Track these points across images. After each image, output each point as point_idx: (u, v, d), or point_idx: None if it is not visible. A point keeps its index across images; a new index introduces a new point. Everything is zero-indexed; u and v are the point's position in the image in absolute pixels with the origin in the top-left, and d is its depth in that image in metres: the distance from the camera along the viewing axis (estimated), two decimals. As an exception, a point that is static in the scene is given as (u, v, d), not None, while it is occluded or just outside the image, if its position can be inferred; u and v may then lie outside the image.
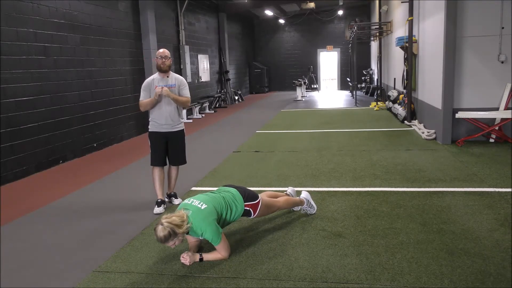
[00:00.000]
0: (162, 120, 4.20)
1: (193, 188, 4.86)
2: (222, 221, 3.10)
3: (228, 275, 2.82)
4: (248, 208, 3.25)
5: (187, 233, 2.95)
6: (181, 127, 4.34)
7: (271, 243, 3.28)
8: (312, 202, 3.84)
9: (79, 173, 6.02)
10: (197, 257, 2.99)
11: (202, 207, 2.98)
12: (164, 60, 4.15)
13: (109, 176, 5.71)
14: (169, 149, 4.30)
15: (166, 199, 4.38)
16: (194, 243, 3.17)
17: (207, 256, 3.02)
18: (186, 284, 2.73)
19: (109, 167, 6.20)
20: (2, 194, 5.09)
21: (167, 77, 4.23)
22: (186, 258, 2.95)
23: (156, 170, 4.27)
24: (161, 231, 2.75)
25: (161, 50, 4.20)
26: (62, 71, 6.68)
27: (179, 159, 4.38)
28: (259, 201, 3.33)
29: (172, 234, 2.76)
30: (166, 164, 4.33)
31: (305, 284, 2.65)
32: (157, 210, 4.14)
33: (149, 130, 4.32)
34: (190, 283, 2.74)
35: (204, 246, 3.25)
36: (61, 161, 6.60)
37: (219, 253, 3.01)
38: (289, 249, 3.15)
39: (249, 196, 3.29)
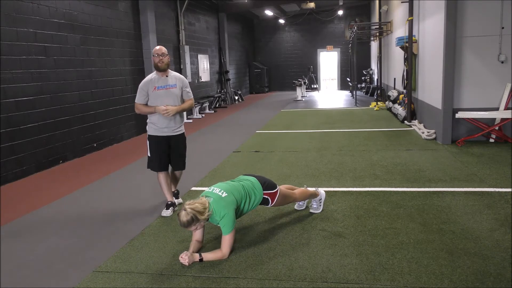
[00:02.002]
0: (162, 124, 3.99)
1: (193, 188, 4.86)
2: (240, 212, 3.19)
3: (228, 275, 2.82)
4: (266, 197, 3.34)
5: (207, 220, 3.03)
6: (182, 130, 4.14)
7: (271, 243, 3.28)
8: (323, 203, 3.93)
9: (79, 173, 6.02)
10: (196, 257, 3.00)
11: (223, 195, 3.08)
12: (161, 58, 3.88)
13: (109, 176, 5.71)
14: (171, 154, 4.12)
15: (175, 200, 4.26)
16: (195, 243, 3.17)
17: (207, 256, 3.02)
18: (186, 284, 2.73)
19: (109, 167, 6.20)
20: (2, 194, 5.09)
21: (166, 76, 3.98)
22: (185, 259, 2.95)
23: (161, 175, 4.09)
24: (184, 216, 2.87)
25: (157, 47, 3.92)
26: (62, 71, 6.68)
27: (181, 163, 4.21)
28: (277, 190, 3.41)
29: (194, 220, 2.88)
30: (167, 169, 4.14)
31: (305, 284, 2.65)
32: (165, 213, 4.04)
33: (149, 134, 4.07)
34: (190, 283, 2.74)
35: (204, 246, 3.25)
36: (61, 161, 6.60)
37: (222, 246, 3.04)
38: (289, 249, 3.15)
39: (268, 185, 3.37)
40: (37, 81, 6.11)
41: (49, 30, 6.38)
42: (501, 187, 4.33)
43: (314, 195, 3.87)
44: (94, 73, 7.53)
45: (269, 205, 3.42)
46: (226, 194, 3.09)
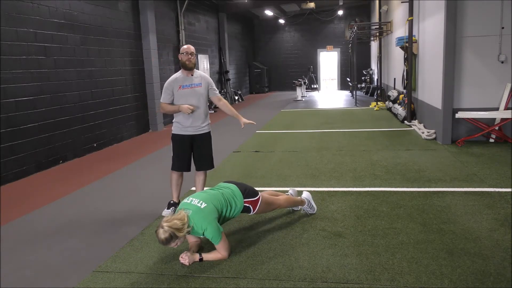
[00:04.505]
0: (187, 122, 3.95)
1: (193, 188, 4.85)
2: (222, 219, 3.11)
3: (228, 275, 2.82)
4: (247, 205, 3.26)
5: (189, 233, 2.94)
6: (207, 129, 4.07)
7: (271, 243, 3.28)
8: (313, 203, 3.85)
9: (79, 173, 6.02)
10: (196, 257, 2.99)
11: (202, 206, 2.98)
12: (190, 57, 3.85)
13: (109, 176, 5.71)
14: (194, 153, 4.08)
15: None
16: (194, 243, 3.17)
17: (207, 256, 3.02)
18: (186, 284, 2.73)
19: (109, 167, 6.20)
20: (2, 194, 5.09)
21: (192, 75, 3.94)
22: (185, 259, 2.95)
23: (174, 175, 4.11)
24: (162, 234, 2.76)
25: (185, 46, 3.90)
26: (62, 71, 6.67)
27: (206, 163, 4.13)
28: (259, 197, 3.33)
29: (173, 237, 2.77)
30: (187, 170, 4.13)
31: (305, 284, 2.65)
32: (165, 212, 4.05)
33: (173, 132, 4.06)
34: (190, 283, 2.74)
35: (204, 246, 3.25)
36: (61, 161, 6.60)
37: (219, 252, 3.01)
38: (289, 249, 3.15)
39: (248, 193, 3.29)
40: (37, 81, 6.11)
41: (49, 30, 6.38)
42: (501, 187, 4.33)
43: (301, 202, 3.76)
44: (94, 73, 7.53)
45: (251, 213, 3.34)
46: (206, 205, 2.99)
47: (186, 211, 2.93)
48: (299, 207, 3.89)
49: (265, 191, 3.67)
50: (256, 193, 3.34)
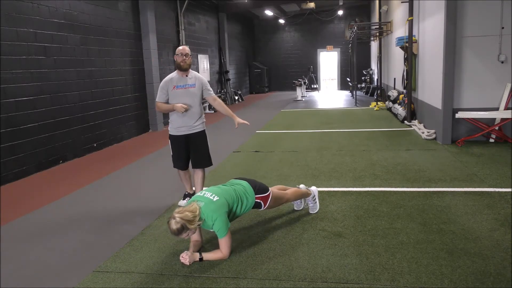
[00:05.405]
0: (179, 122, 4.03)
1: (193, 188, 4.85)
2: (232, 214, 3.15)
3: (228, 275, 2.82)
4: (259, 201, 3.31)
5: (199, 226, 3.00)
6: (200, 128, 4.13)
7: (271, 243, 3.28)
8: (317, 199, 3.92)
9: (79, 173, 6.02)
10: (196, 256, 3.00)
11: (214, 199, 3.04)
12: (185, 58, 3.96)
13: (109, 176, 5.71)
14: (190, 152, 4.15)
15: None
16: (194, 243, 3.17)
17: (207, 256, 3.02)
18: (186, 284, 2.73)
19: (109, 167, 6.20)
20: (2, 194, 5.09)
21: (187, 76, 4.03)
22: (185, 258, 2.95)
23: (181, 172, 4.24)
24: (173, 225, 2.82)
25: (180, 47, 4.00)
26: (62, 71, 6.67)
27: (202, 161, 4.18)
28: (270, 193, 3.38)
29: (184, 228, 2.83)
30: (185, 169, 4.23)
31: (305, 284, 2.65)
32: (181, 203, 4.18)
33: (169, 133, 4.17)
34: (190, 283, 2.74)
35: (204, 246, 3.25)
36: (61, 161, 6.60)
37: (221, 249, 3.03)
38: (289, 249, 3.15)
39: (259, 189, 3.34)
40: (37, 81, 6.11)
41: (49, 30, 6.38)
42: (501, 187, 4.33)
43: (307, 194, 3.84)
44: (94, 73, 7.53)
45: (262, 209, 3.39)
46: (218, 198, 3.05)
47: (198, 203, 2.99)
48: (301, 205, 3.95)
49: (274, 186, 3.71)
50: (266, 189, 3.39)
